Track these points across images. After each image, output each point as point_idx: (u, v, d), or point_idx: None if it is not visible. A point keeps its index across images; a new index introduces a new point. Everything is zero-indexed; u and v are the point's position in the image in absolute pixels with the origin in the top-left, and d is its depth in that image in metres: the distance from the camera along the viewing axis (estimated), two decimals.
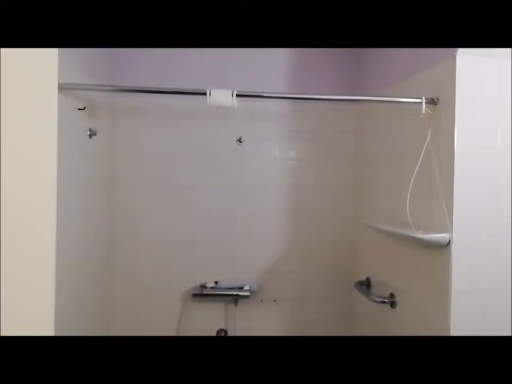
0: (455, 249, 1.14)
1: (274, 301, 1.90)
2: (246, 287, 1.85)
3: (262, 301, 1.90)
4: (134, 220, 1.83)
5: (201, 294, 1.82)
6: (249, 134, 1.87)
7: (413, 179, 1.26)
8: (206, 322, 1.86)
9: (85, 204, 1.47)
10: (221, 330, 1.88)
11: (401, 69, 1.51)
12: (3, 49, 0.67)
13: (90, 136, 1.49)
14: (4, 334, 0.64)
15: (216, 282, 1.85)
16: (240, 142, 1.86)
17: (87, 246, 1.49)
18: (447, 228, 1.15)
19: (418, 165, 1.24)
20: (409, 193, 1.25)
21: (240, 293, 1.83)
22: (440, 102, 1.22)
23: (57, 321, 0.74)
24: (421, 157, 1.24)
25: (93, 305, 1.56)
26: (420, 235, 1.14)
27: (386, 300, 1.52)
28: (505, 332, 1.16)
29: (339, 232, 1.94)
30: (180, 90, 1.30)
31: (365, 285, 1.74)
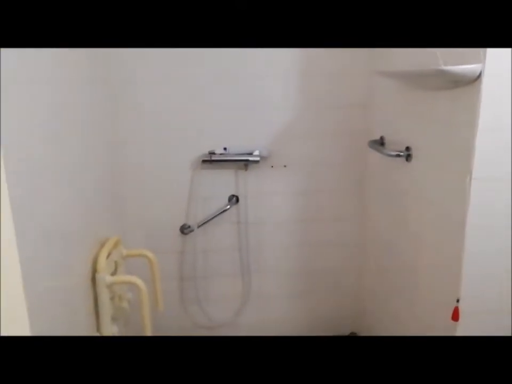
0: (486, 82, 1.03)
1: (285, 166, 1.87)
2: (256, 152, 1.80)
3: (272, 166, 1.86)
4: (135, 86, 1.72)
5: (210, 160, 1.78)
6: None
7: None
8: (216, 188, 1.86)
9: None
10: (233, 196, 1.88)
11: None
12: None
13: None
14: None
15: (225, 149, 1.80)
16: None
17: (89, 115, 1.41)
18: (479, 58, 1.03)
19: None
20: None
21: (250, 158, 1.79)
22: None
23: None
24: None
25: (101, 170, 1.53)
26: (448, 67, 1.03)
27: (401, 153, 1.46)
28: None
29: (352, 91, 1.81)
30: None
31: (379, 144, 1.68)
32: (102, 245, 1.41)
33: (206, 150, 1.80)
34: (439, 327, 1.29)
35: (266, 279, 1.98)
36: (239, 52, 1.72)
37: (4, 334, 0.90)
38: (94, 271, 1.32)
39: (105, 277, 1.31)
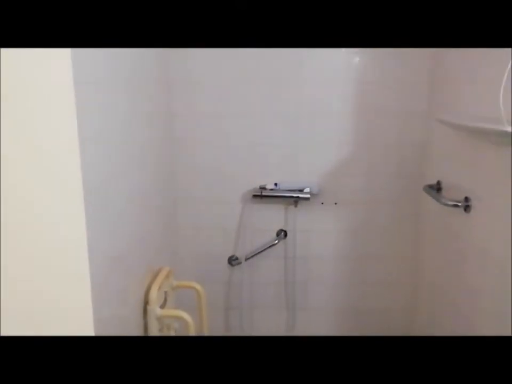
0: None
1: (335, 203, 1.86)
2: (307, 189, 1.81)
3: (322, 203, 1.86)
4: (192, 120, 1.79)
5: (261, 195, 1.81)
6: None
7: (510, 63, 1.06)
8: (266, 223, 1.88)
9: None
10: (281, 231, 1.89)
11: None
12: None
13: None
14: None
15: (276, 184, 1.82)
16: None
17: (143, 144, 1.49)
18: None
19: None
20: (504, 79, 1.07)
21: (300, 195, 1.80)
22: None
23: None
24: None
25: (157, 200, 1.60)
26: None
27: (459, 203, 1.41)
28: None
29: (408, 133, 1.78)
30: None
31: (435, 189, 1.62)
32: (155, 275, 1.46)
33: (257, 184, 1.83)
34: None
35: (311, 316, 1.96)
36: (295, 90, 1.75)
37: None
38: (146, 301, 1.38)
39: (156, 309, 1.36)
